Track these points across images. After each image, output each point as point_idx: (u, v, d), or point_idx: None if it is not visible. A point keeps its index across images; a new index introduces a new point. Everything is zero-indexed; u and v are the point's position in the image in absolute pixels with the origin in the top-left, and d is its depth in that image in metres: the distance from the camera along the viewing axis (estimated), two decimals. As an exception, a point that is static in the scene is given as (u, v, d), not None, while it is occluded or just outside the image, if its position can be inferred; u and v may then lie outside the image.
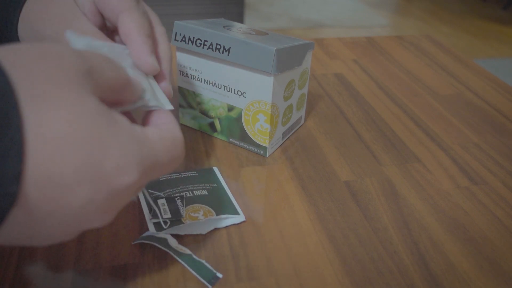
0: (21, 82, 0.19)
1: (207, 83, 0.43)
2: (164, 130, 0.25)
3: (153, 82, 0.30)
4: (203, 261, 0.32)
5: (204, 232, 0.35)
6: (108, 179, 0.21)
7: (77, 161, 0.20)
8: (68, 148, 0.19)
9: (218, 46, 0.40)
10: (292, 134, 0.48)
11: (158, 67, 0.30)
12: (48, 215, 0.20)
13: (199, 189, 0.38)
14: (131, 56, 0.30)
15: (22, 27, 0.33)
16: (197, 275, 0.31)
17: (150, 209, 0.35)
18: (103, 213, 0.22)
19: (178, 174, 0.40)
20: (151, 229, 0.34)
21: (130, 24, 0.30)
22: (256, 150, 0.44)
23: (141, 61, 0.29)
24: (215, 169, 0.41)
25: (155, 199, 0.36)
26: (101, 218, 0.22)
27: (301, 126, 0.50)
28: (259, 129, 0.43)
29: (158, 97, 0.29)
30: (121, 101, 0.26)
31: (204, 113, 0.45)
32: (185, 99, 0.46)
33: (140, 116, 0.28)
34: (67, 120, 0.19)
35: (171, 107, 0.28)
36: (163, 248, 0.32)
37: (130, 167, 0.22)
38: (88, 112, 0.20)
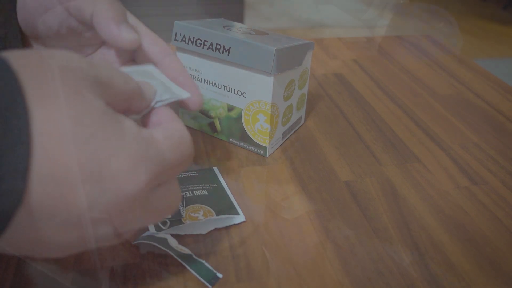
0: (29, 82, 0.19)
1: (207, 83, 0.43)
2: (171, 130, 0.25)
3: (163, 77, 0.30)
4: (203, 261, 0.32)
5: (204, 232, 0.35)
6: (115, 180, 0.21)
7: (82, 159, 0.20)
8: (73, 145, 0.19)
9: (218, 46, 0.40)
10: (292, 134, 0.48)
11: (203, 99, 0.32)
12: (51, 216, 0.20)
13: (199, 189, 0.38)
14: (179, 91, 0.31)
15: None
16: (197, 275, 0.31)
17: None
18: (112, 218, 0.22)
19: (178, 174, 0.40)
20: (151, 229, 0.34)
21: (177, 66, 0.32)
22: (256, 150, 0.44)
23: (194, 98, 0.31)
24: (215, 169, 0.41)
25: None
26: (109, 224, 0.22)
27: (301, 126, 0.50)
28: (259, 129, 0.43)
29: (173, 90, 0.29)
30: (131, 108, 0.25)
31: (204, 113, 0.45)
32: (185, 99, 0.46)
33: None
34: (72, 118, 0.19)
35: (187, 94, 0.29)
36: (163, 248, 0.32)
37: (138, 169, 0.21)
38: (94, 112, 0.20)
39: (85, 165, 0.20)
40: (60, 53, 0.22)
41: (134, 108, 0.26)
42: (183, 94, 0.29)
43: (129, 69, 0.29)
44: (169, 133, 0.25)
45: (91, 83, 0.21)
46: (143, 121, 0.27)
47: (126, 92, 0.24)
